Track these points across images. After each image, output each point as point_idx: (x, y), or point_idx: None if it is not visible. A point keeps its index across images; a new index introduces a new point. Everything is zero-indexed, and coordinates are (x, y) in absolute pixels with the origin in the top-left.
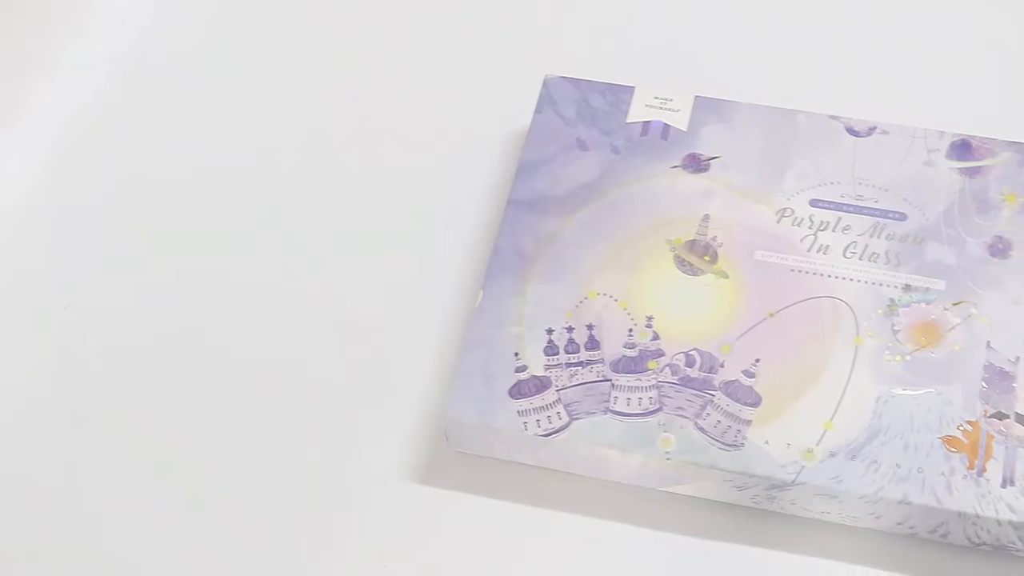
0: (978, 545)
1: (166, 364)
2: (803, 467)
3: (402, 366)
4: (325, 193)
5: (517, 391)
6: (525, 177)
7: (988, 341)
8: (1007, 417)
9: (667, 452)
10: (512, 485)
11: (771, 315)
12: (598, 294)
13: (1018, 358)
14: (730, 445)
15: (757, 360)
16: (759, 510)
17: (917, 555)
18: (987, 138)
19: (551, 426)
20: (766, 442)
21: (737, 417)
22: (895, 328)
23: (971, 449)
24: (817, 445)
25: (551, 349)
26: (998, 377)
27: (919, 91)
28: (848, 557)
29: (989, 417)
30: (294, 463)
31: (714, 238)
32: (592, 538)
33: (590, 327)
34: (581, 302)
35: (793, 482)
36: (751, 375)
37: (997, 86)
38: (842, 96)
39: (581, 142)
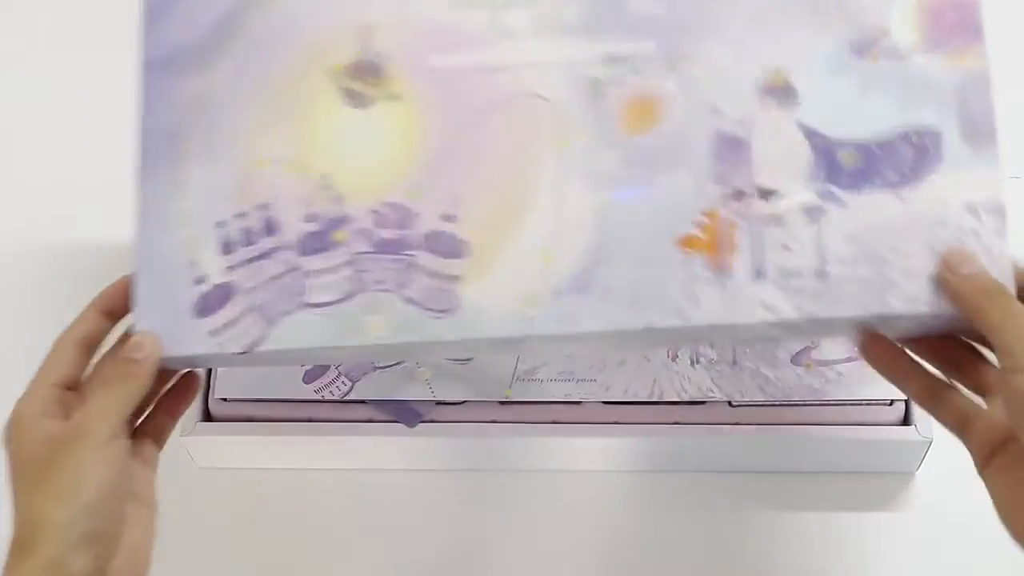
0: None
1: None
2: (532, 318)
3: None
4: None
5: (203, 307)
6: (154, 26)
7: (714, 104)
8: (745, 195)
9: (377, 337)
10: None
11: (461, 136)
12: (265, 161)
13: (750, 115)
14: (444, 311)
15: (455, 198)
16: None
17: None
18: None
19: (248, 340)
20: (485, 298)
21: (445, 275)
22: (603, 116)
23: (710, 247)
24: (541, 287)
25: (227, 247)
26: (730, 148)
27: None
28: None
29: (727, 200)
30: None
31: (379, 54)
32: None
33: (265, 207)
34: (248, 177)
35: (524, 338)
36: (452, 219)
37: None
38: None
39: None
